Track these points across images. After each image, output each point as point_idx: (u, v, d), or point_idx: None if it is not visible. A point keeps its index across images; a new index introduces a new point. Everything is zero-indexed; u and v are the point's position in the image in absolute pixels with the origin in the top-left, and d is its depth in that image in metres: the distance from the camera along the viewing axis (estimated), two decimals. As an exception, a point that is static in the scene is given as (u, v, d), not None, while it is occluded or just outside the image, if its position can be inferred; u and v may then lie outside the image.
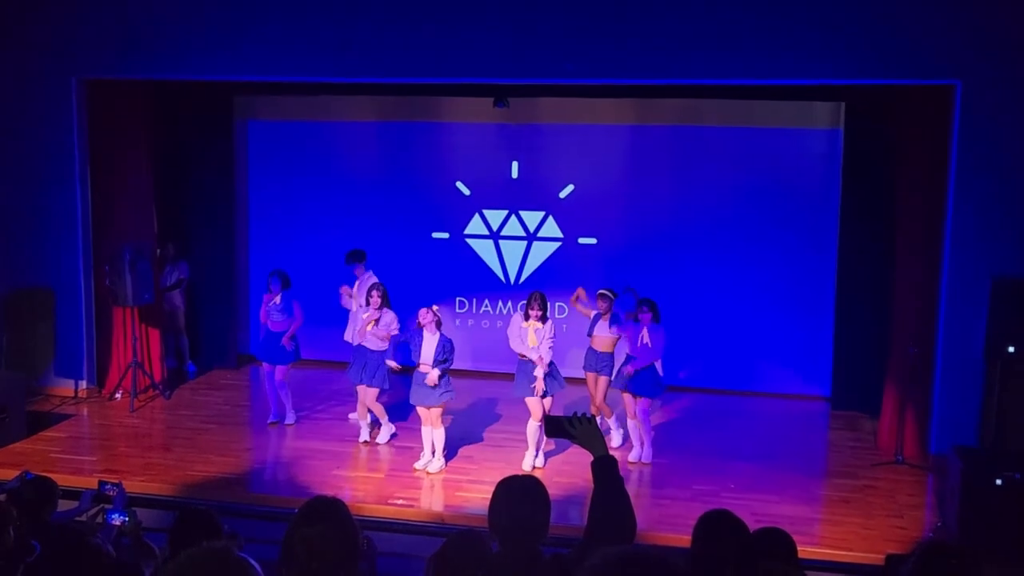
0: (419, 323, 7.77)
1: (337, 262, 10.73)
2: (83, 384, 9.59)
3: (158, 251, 9.73)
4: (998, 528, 6.30)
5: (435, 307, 7.87)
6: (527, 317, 7.98)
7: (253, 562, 1.96)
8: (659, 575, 1.73)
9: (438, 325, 7.76)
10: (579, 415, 3.16)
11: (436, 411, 7.71)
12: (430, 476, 7.65)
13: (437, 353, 7.66)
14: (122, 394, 9.45)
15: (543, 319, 7.95)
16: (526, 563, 2.99)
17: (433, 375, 7.64)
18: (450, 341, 7.75)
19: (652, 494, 7.08)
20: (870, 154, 8.99)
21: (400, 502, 7.15)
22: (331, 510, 2.91)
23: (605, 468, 3.01)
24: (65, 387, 9.56)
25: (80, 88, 9.29)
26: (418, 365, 7.81)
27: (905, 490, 7.53)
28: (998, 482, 6.35)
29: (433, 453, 7.77)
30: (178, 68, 8.93)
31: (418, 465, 7.81)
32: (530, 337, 7.91)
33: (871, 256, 9.00)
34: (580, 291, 8.59)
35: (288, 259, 10.94)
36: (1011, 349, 6.76)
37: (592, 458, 3.04)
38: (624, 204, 10.23)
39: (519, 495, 3.07)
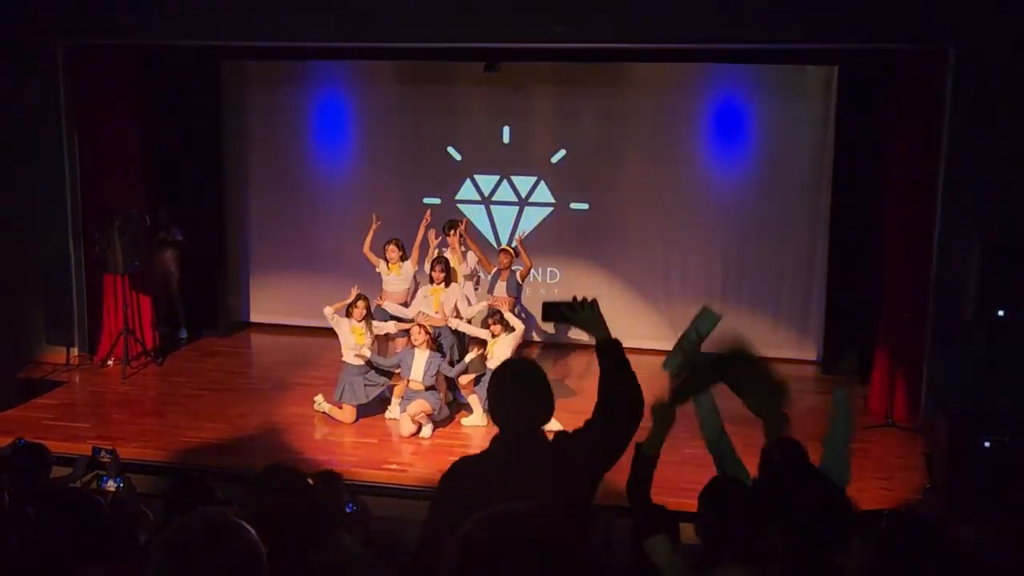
0: (410, 342, 7.77)
1: (331, 228, 10.71)
2: (75, 351, 9.57)
3: (146, 218, 9.64)
4: (986, 490, 6.37)
5: (428, 325, 7.88)
6: (431, 281, 8.09)
7: (248, 527, 1.97)
8: (532, 532, 1.74)
9: (431, 343, 7.76)
10: (579, 299, 3.08)
11: (424, 410, 7.73)
12: (423, 442, 7.69)
13: (429, 370, 7.68)
14: (114, 361, 9.44)
15: (446, 283, 8.04)
16: (527, 447, 2.95)
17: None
18: (439, 357, 7.82)
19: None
20: (863, 119, 8.94)
21: (393, 467, 7.19)
22: (287, 478, 2.91)
23: (610, 350, 3.00)
24: (57, 354, 9.54)
25: (65, 53, 9.16)
26: (408, 382, 7.84)
27: (895, 453, 7.60)
28: (986, 444, 6.41)
29: (420, 429, 7.82)
30: (164, 33, 8.82)
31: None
32: (434, 302, 7.97)
33: (863, 220, 8.98)
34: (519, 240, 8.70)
35: (282, 227, 10.93)
36: (1000, 313, 6.79)
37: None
38: (616, 169, 10.19)
39: (514, 380, 3.03)
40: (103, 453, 5.20)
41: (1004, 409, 6.76)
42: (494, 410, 3.05)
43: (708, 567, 3.02)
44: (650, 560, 3.12)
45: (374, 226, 8.60)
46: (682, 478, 5.86)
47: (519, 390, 2.98)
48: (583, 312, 3.06)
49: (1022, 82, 7.50)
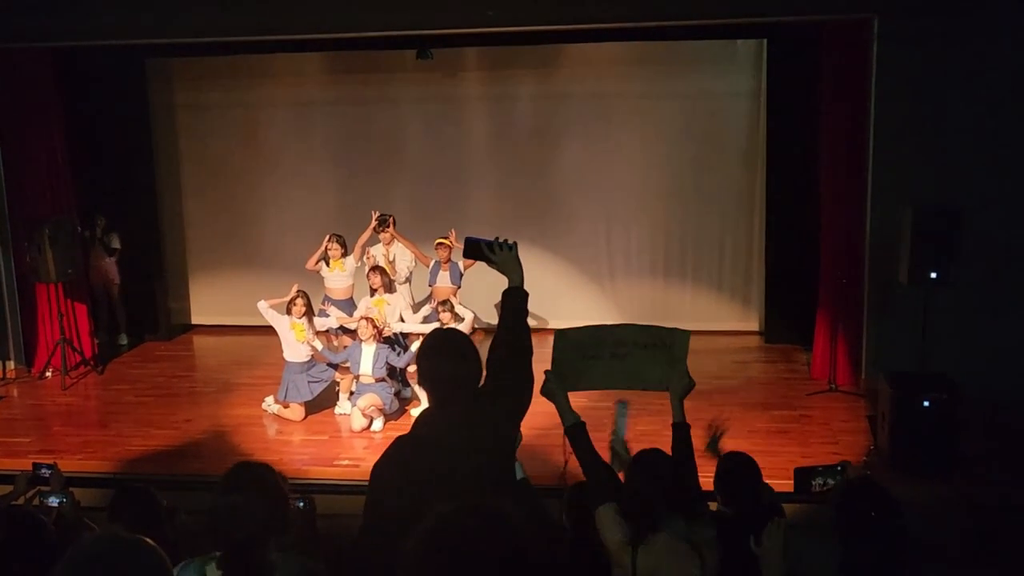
0: (359, 337, 7.73)
1: (269, 224, 10.57)
2: (11, 364, 9.34)
3: (78, 224, 9.40)
4: (927, 447, 6.54)
5: (379, 315, 7.84)
6: (372, 293, 8.05)
7: (154, 545, 1.94)
8: (496, 530, 1.74)
9: (378, 336, 7.72)
10: (500, 240, 3.17)
11: (375, 404, 7.69)
12: (375, 435, 7.65)
13: (378, 362, 7.64)
14: (52, 372, 9.22)
15: (389, 290, 8.02)
16: (456, 415, 3.03)
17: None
18: (387, 348, 7.76)
19: (596, 437, 7.16)
20: (794, 90, 9.04)
21: (345, 463, 7.14)
22: (256, 477, 2.88)
23: (517, 298, 3.15)
24: (-8, 369, 9.30)
25: (-20, 59, 8.89)
26: (356, 376, 7.81)
27: (839, 417, 7.76)
28: (926, 403, 6.57)
29: (371, 422, 7.78)
30: (81, 34, 8.55)
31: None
32: (379, 313, 7.94)
33: (798, 190, 9.11)
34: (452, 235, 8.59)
35: (219, 226, 10.75)
36: (933, 275, 6.94)
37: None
38: (554, 149, 10.21)
39: (439, 350, 3.10)
40: (43, 469, 5.06)
41: (941, 368, 6.93)
42: (423, 381, 3.11)
43: (645, 538, 3.11)
44: (597, 530, 3.19)
45: (324, 246, 8.51)
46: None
47: (446, 358, 3.04)
48: (502, 253, 3.15)
49: (945, 49, 7.66)
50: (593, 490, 3.33)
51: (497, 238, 3.12)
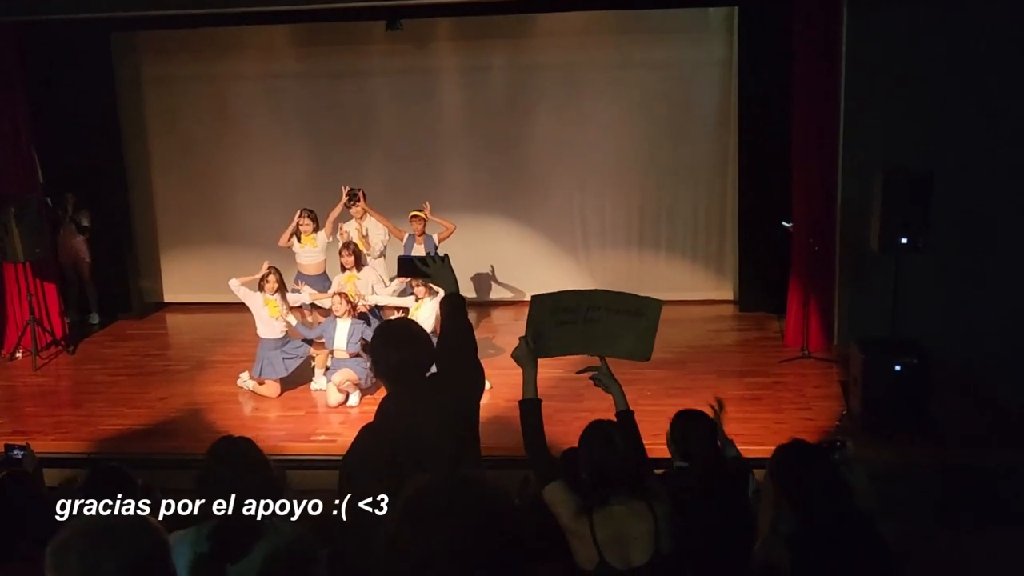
0: (334, 313, 7.70)
1: (240, 199, 10.46)
2: (-21, 346, 9.22)
3: (47, 203, 9.25)
4: (899, 411, 6.63)
5: (351, 291, 7.81)
6: (342, 268, 8.02)
7: (157, 524, 1.94)
8: (480, 499, 1.77)
9: (352, 311, 7.68)
10: (431, 254, 3.40)
11: (350, 379, 7.67)
12: (351, 410, 7.64)
13: (352, 338, 7.60)
14: (23, 353, 9.11)
15: (357, 267, 8.02)
16: (414, 397, 3.18)
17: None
18: (361, 323, 7.71)
19: (571, 408, 7.18)
20: (765, 58, 9.04)
21: (322, 438, 7.14)
22: (240, 451, 2.94)
23: (455, 305, 3.38)
24: (-40, 352, 9.18)
25: (-60, 34, 8.68)
26: (331, 352, 7.78)
27: (812, 383, 7.84)
28: (897, 368, 6.65)
29: (347, 397, 7.76)
30: (41, 8, 8.36)
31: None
32: (350, 290, 7.91)
33: (771, 158, 9.12)
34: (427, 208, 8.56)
35: (189, 202, 10.62)
36: (904, 240, 6.98)
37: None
38: (526, 121, 10.14)
39: (385, 340, 3.27)
40: (16, 450, 5.02)
41: (912, 333, 7.01)
42: (378, 373, 3.28)
43: (598, 506, 3.18)
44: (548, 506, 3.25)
45: (295, 222, 8.46)
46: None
47: (394, 346, 3.19)
48: (434, 266, 3.37)
49: (916, 14, 7.67)
50: (538, 471, 3.35)
51: (428, 253, 3.32)
